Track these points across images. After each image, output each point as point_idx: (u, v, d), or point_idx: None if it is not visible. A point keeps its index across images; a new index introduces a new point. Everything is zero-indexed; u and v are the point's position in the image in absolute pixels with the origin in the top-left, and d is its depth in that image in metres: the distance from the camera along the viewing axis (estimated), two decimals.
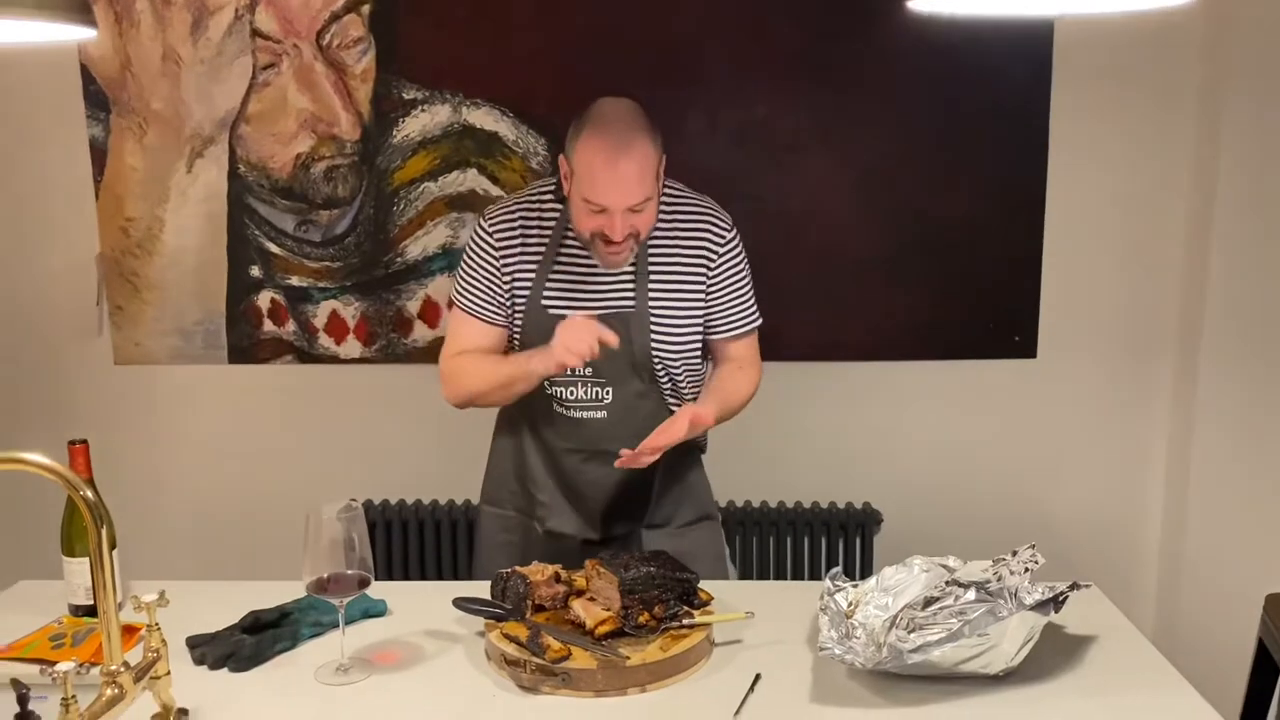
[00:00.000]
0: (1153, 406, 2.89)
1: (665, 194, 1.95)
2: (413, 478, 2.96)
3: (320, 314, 2.91)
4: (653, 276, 1.96)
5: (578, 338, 1.81)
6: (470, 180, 2.80)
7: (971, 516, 2.92)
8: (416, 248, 2.85)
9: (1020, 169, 2.77)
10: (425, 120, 2.79)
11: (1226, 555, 2.77)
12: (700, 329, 2.02)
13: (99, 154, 2.86)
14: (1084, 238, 2.82)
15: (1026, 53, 2.71)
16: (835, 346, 2.86)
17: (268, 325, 2.92)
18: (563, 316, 1.90)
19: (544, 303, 1.96)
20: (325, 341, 2.92)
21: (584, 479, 2.04)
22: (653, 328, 1.96)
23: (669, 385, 2.02)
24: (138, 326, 2.94)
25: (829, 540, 2.90)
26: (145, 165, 2.86)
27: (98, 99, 2.83)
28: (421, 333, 2.89)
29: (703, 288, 1.99)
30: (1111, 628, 1.72)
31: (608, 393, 1.97)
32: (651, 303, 1.96)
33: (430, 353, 2.87)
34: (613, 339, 1.82)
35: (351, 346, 2.92)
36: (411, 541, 2.92)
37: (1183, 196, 2.78)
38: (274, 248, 2.88)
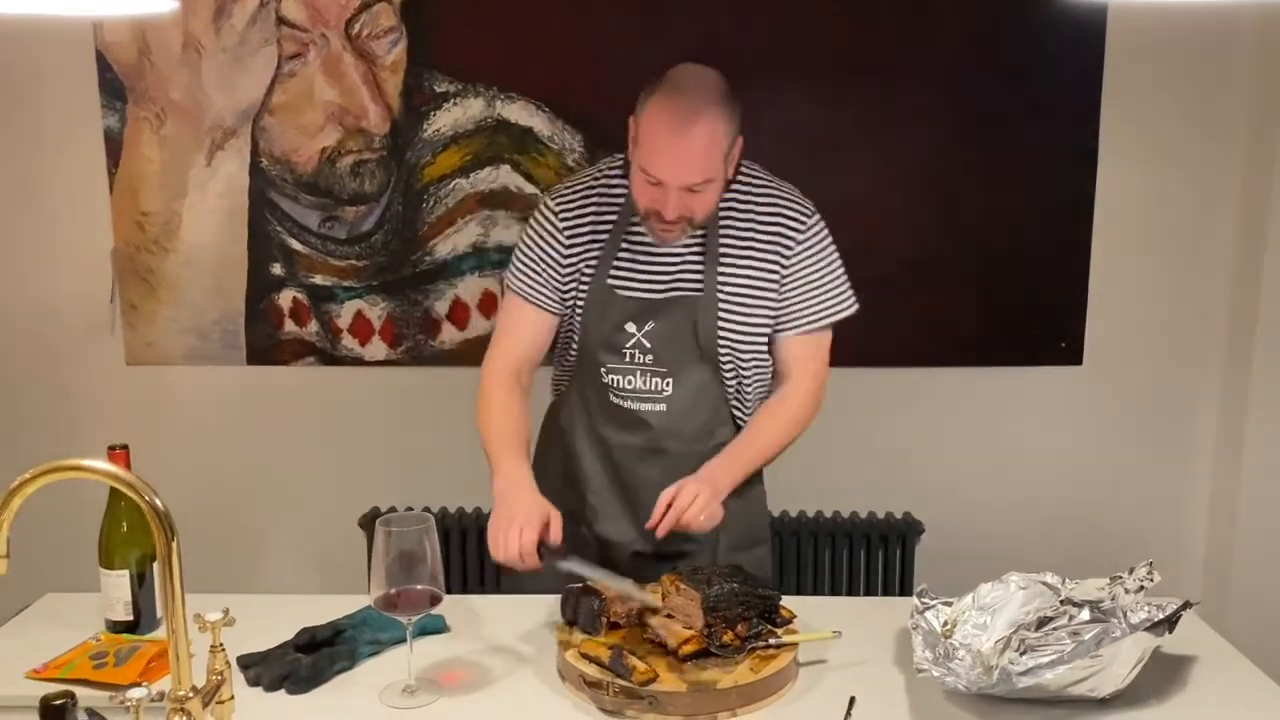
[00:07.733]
0: (1201, 414, 2.83)
1: (742, 177, 1.88)
2: (440, 485, 2.85)
3: (345, 314, 2.79)
4: (723, 259, 1.86)
5: (508, 542, 1.65)
6: (503, 177, 2.71)
7: (1015, 526, 2.84)
8: (446, 246, 2.75)
9: (1069, 171, 2.70)
10: (457, 114, 2.69)
11: (1276, 565, 2.71)
12: (771, 319, 1.91)
13: (114, 145, 2.74)
14: (1133, 242, 2.75)
15: (1077, 52, 2.64)
16: (876, 352, 2.76)
17: (289, 325, 2.81)
18: (630, 297, 1.85)
19: (609, 282, 1.87)
20: (349, 343, 2.81)
21: (639, 479, 1.91)
22: (720, 313, 1.86)
23: (734, 380, 1.91)
24: (152, 326, 2.82)
25: (869, 550, 2.81)
26: (162, 157, 2.74)
27: (113, 88, 2.71)
28: (450, 335, 2.79)
29: (777, 276, 1.88)
30: (1208, 646, 1.66)
31: (668, 384, 1.87)
32: (721, 287, 1.86)
33: (459, 356, 2.77)
34: (534, 563, 1.66)
35: (377, 348, 2.81)
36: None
37: (1235, 199, 2.72)
38: (297, 245, 2.77)
